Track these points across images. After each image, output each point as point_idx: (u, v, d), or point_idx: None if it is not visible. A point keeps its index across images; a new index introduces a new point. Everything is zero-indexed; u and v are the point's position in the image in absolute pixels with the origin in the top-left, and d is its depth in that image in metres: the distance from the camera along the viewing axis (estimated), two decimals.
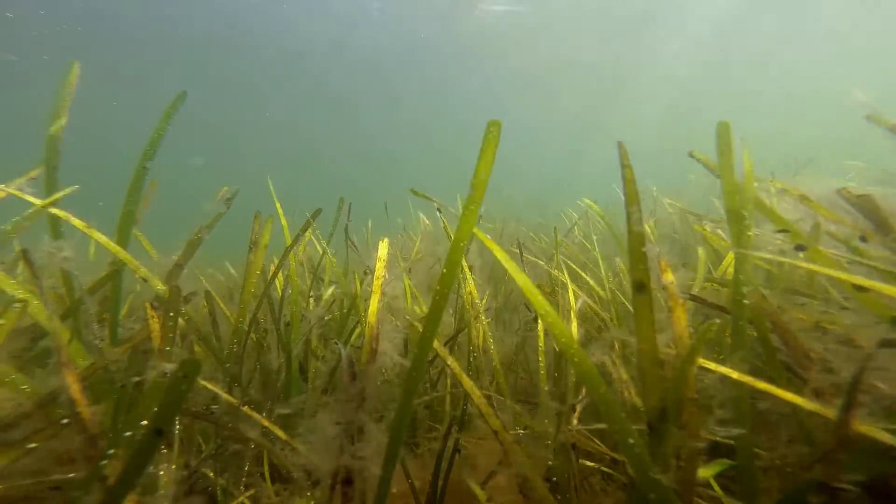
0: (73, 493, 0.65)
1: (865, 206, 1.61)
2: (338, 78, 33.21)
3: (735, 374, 1.09)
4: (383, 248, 1.15)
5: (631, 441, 0.90)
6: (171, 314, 0.98)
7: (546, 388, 1.70)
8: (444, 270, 0.93)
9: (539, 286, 2.82)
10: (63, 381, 0.78)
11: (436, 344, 1.25)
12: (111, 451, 0.65)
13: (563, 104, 37.28)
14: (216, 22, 23.99)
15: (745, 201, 1.27)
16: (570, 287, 2.14)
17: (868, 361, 0.86)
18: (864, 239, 1.33)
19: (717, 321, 0.92)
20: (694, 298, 1.52)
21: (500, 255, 1.07)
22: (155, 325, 0.97)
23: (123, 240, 1.52)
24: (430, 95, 37.08)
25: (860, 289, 1.24)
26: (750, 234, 1.24)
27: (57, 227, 1.54)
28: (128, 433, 0.68)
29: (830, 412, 1.00)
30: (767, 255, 1.41)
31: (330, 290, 3.01)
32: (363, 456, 0.90)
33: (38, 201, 1.52)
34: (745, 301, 1.19)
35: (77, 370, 0.81)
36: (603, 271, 3.12)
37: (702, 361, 1.10)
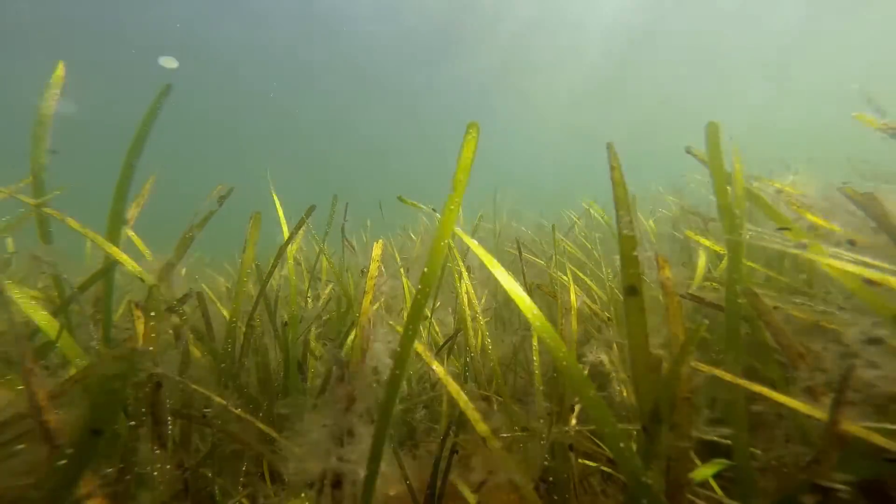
0: (30, 493, 0.65)
1: (867, 204, 1.59)
2: (341, 76, 33.26)
3: (729, 377, 1.08)
4: (377, 249, 1.15)
5: (621, 444, 0.89)
6: (153, 314, 0.98)
7: (541, 389, 1.69)
8: (426, 269, 0.93)
9: (539, 286, 2.81)
10: (27, 388, 0.77)
11: (421, 348, 1.25)
12: (69, 452, 0.64)
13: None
14: (215, 16, 24.05)
15: (736, 199, 1.26)
16: (572, 288, 2.12)
17: (854, 359, 0.84)
18: (852, 243, 1.32)
19: (707, 321, 0.91)
20: (688, 296, 1.51)
21: (486, 258, 1.06)
22: (140, 325, 0.96)
23: (113, 238, 1.52)
24: (437, 94, 37.10)
25: (870, 283, 1.22)
26: (743, 231, 1.23)
27: (45, 229, 1.54)
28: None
29: (819, 412, 0.99)
30: (778, 245, 1.38)
31: (328, 290, 3.01)
32: (351, 459, 0.89)
33: (30, 201, 1.53)
34: (740, 300, 1.18)
35: (37, 375, 0.81)
36: (603, 271, 3.11)
37: (694, 364, 1.09)
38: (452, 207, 0.93)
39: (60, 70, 1.51)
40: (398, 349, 0.92)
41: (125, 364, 0.62)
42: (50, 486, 0.64)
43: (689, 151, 1.93)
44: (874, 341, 0.91)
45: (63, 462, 0.64)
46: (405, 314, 2.63)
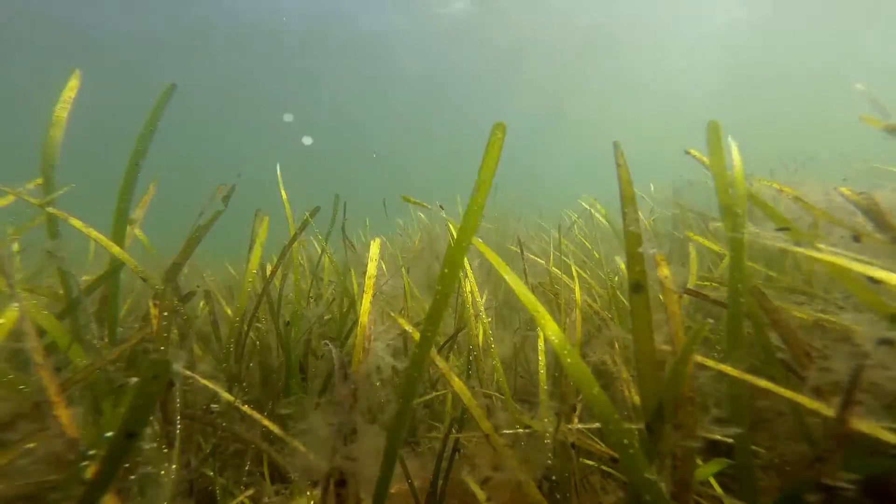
0: (52, 495, 0.65)
1: (865, 205, 1.60)
2: (341, 77, 33.26)
3: (735, 372, 1.09)
4: (375, 248, 1.15)
5: (625, 441, 0.90)
6: (165, 313, 0.98)
7: (546, 388, 1.70)
8: (445, 270, 0.92)
9: (539, 285, 2.82)
10: (39, 383, 0.78)
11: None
12: (91, 453, 0.64)
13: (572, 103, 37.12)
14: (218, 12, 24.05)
15: (737, 198, 1.27)
16: (577, 286, 2.13)
17: (866, 359, 0.85)
18: (856, 239, 1.33)
19: (711, 321, 0.92)
20: (688, 292, 1.52)
21: (494, 259, 1.07)
22: (157, 324, 0.97)
23: (119, 238, 1.52)
24: (436, 96, 37.07)
25: (873, 281, 1.22)
26: (744, 229, 1.24)
27: (54, 227, 1.54)
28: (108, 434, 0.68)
29: (829, 410, 0.99)
30: (780, 243, 1.38)
31: (330, 290, 3.01)
32: (356, 457, 0.89)
33: (36, 200, 1.53)
34: (742, 299, 1.19)
35: (50, 370, 0.81)
36: (604, 269, 3.11)
37: (700, 359, 1.09)
38: (475, 209, 0.91)
39: (76, 79, 1.51)
40: (415, 350, 0.92)
41: (165, 367, 0.62)
42: (83, 492, 0.64)
43: (688, 153, 1.94)
44: (886, 342, 0.92)
45: (94, 464, 0.64)
46: (405, 313, 2.64)
